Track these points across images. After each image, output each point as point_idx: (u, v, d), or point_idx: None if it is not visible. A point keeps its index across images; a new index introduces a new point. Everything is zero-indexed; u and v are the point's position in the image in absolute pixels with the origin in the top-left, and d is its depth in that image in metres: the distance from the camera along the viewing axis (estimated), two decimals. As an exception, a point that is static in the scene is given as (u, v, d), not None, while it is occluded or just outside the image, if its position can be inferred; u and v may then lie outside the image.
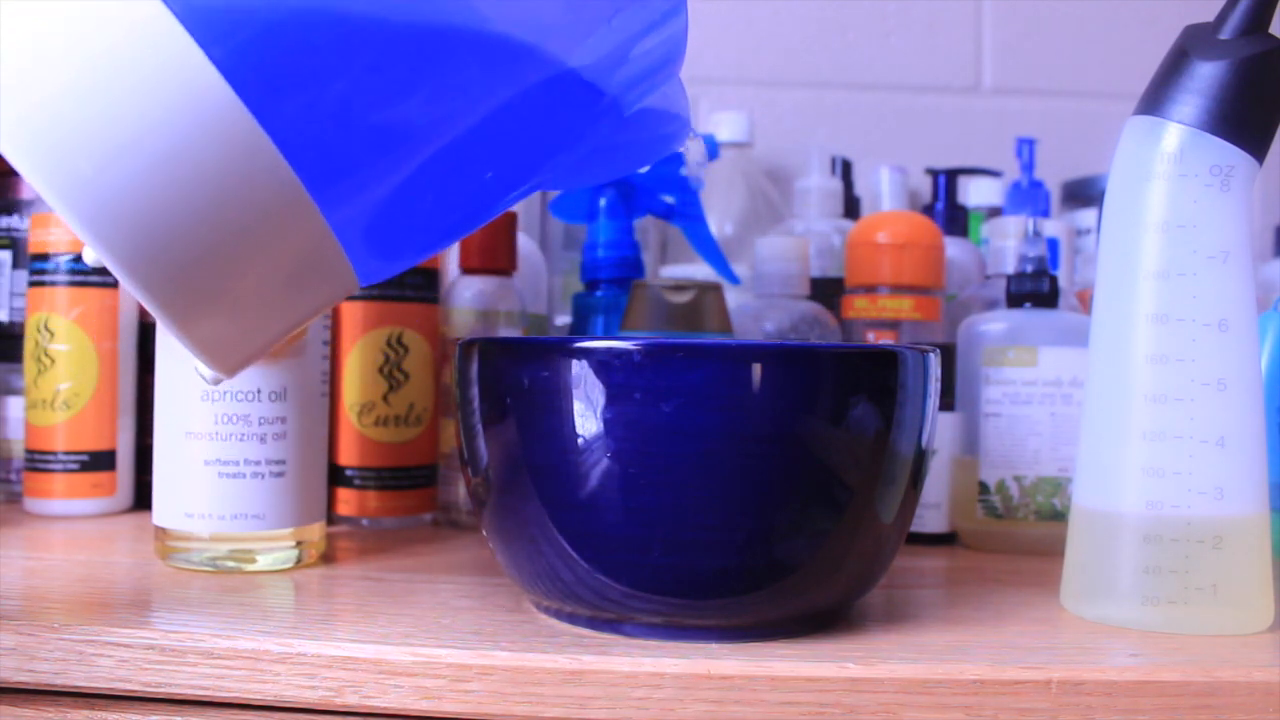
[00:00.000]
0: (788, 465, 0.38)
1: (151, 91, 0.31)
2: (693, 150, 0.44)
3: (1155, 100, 0.43)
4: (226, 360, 0.36)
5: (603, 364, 0.38)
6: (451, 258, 0.69)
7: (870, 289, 0.67)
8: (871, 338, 0.66)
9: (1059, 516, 0.58)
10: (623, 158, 0.42)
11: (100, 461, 0.64)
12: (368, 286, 0.62)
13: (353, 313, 0.63)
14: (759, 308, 0.68)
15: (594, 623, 0.41)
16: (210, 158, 0.32)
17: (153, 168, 0.31)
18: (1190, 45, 0.42)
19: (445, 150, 0.35)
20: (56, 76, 0.31)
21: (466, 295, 0.64)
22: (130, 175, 0.31)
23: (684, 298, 0.60)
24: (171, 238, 0.32)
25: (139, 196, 0.31)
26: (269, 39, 0.32)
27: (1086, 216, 0.89)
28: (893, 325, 0.66)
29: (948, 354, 0.61)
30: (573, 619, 0.42)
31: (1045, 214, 0.81)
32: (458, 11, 0.34)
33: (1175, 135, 0.42)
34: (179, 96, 0.31)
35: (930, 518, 0.60)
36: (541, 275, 0.77)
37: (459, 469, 0.62)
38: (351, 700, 0.38)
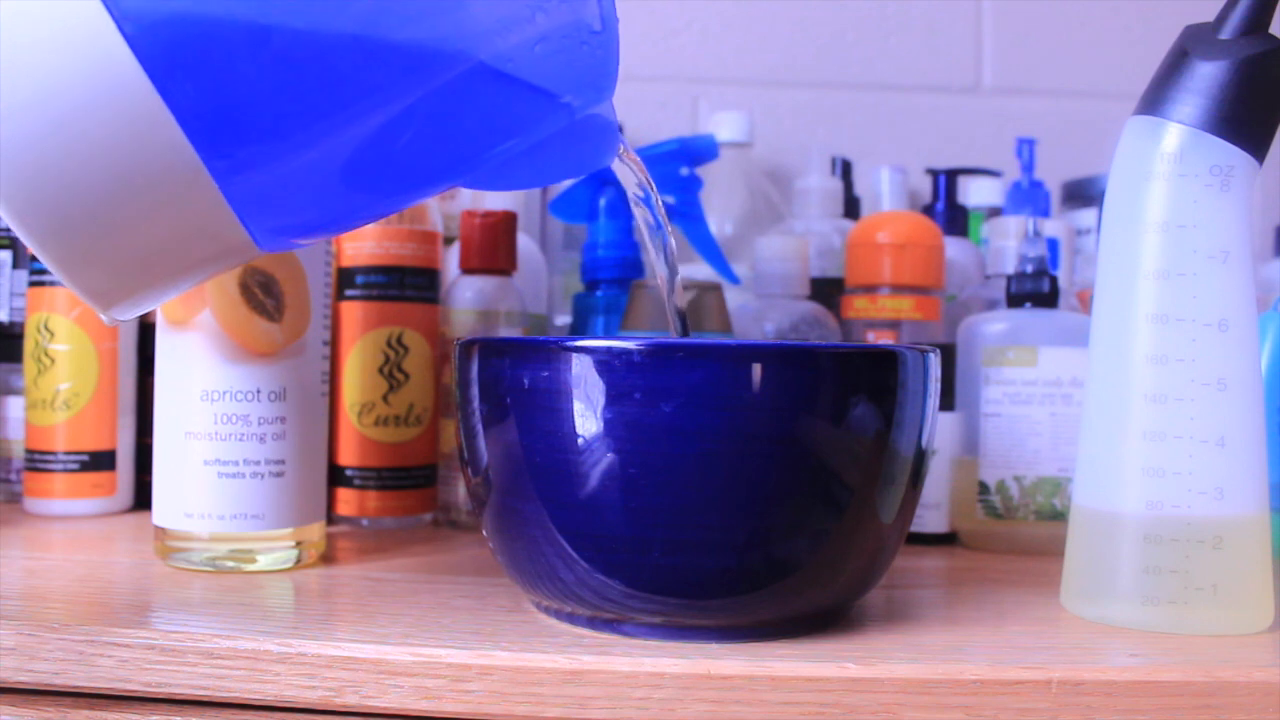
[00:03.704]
0: (788, 465, 0.38)
1: (58, 53, 0.33)
2: (620, 173, 0.45)
3: (1155, 100, 0.43)
4: (112, 307, 0.38)
5: (603, 364, 0.38)
6: (452, 257, 0.69)
7: (870, 289, 0.67)
8: (871, 338, 0.66)
9: (1059, 516, 0.58)
10: (547, 168, 0.43)
11: (100, 461, 0.64)
12: (365, 286, 0.62)
13: (352, 313, 0.63)
14: (759, 308, 0.68)
15: (594, 623, 0.41)
16: (109, 122, 0.33)
17: (53, 125, 0.33)
18: (1190, 45, 0.42)
19: (352, 132, 0.36)
20: None
21: (466, 295, 0.64)
22: (30, 129, 0.33)
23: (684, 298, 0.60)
24: (64, 192, 0.34)
25: (36, 150, 0.33)
26: (178, 15, 0.33)
27: (1086, 216, 0.89)
28: (893, 325, 0.66)
29: (948, 354, 0.61)
30: (573, 619, 0.42)
31: (1045, 214, 0.81)
32: (369, 10, 0.35)
33: (1175, 135, 0.42)
34: (85, 62, 0.33)
35: (930, 518, 0.60)
36: (541, 275, 0.77)
37: (459, 469, 0.62)
38: (351, 700, 0.38)
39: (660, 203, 0.46)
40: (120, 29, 0.32)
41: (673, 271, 0.47)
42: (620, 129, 0.45)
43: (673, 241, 0.47)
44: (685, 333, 0.48)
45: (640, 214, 0.46)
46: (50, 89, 0.33)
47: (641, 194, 0.46)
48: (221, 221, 0.36)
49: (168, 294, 0.40)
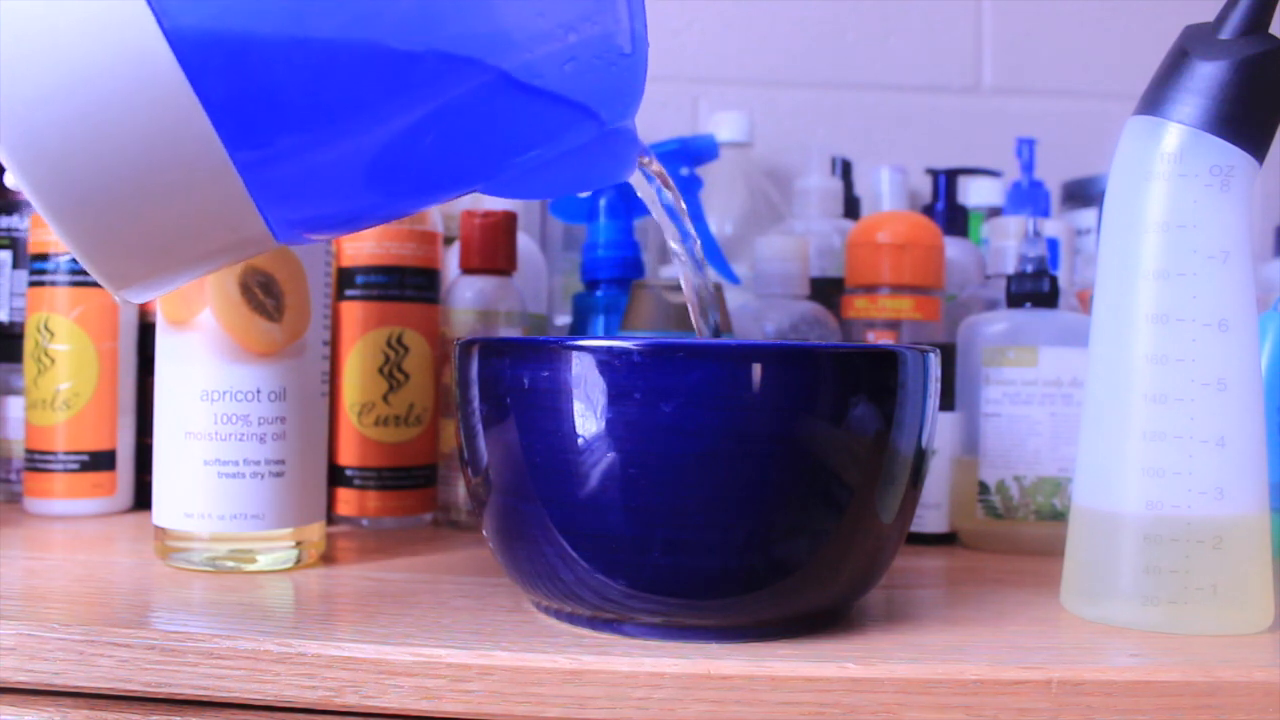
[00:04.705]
0: (788, 465, 0.38)
1: (93, 41, 0.33)
2: (640, 188, 0.45)
3: (1155, 100, 0.43)
4: (125, 288, 0.39)
5: (603, 364, 0.38)
6: (452, 257, 0.69)
7: (870, 289, 0.67)
8: (871, 338, 0.66)
9: (1059, 516, 0.58)
10: (567, 178, 0.44)
11: (100, 461, 0.64)
12: (365, 286, 0.62)
13: (353, 313, 0.63)
14: (759, 308, 0.68)
15: (594, 623, 0.41)
16: (139, 109, 0.34)
17: (83, 109, 0.33)
18: (1190, 45, 0.42)
19: (376, 134, 0.37)
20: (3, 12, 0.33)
21: (467, 295, 0.64)
22: (59, 113, 0.33)
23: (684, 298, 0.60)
24: (88, 174, 0.34)
25: (64, 133, 0.34)
26: (216, 16, 0.34)
27: (1086, 216, 0.89)
28: (893, 325, 0.66)
29: (948, 354, 0.61)
30: (573, 619, 0.42)
31: (1045, 214, 0.81)
32: (401, 22, 0.35)
33: (1175, 135, 0.42)
34: (120, 50, 0.33)
35: (930, 518, 0.60)
36: (541, 275, 0.77)
37: (459, 469, 0.62)
38: (351, 700, 0.38)
39: (685, 210, 0.46)
40: (159, 22, 0.33)
41: (699, 274, 0.47)
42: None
43: (698, 246, 0.47)
44: (718, 336, 0.48)
45: (666, 226, 0.46)
46: (83, 75, 0.33)
47: (666, 203, 0.46)
48: (242, 212, 0.37)
49: (181, 279, 0.40)
